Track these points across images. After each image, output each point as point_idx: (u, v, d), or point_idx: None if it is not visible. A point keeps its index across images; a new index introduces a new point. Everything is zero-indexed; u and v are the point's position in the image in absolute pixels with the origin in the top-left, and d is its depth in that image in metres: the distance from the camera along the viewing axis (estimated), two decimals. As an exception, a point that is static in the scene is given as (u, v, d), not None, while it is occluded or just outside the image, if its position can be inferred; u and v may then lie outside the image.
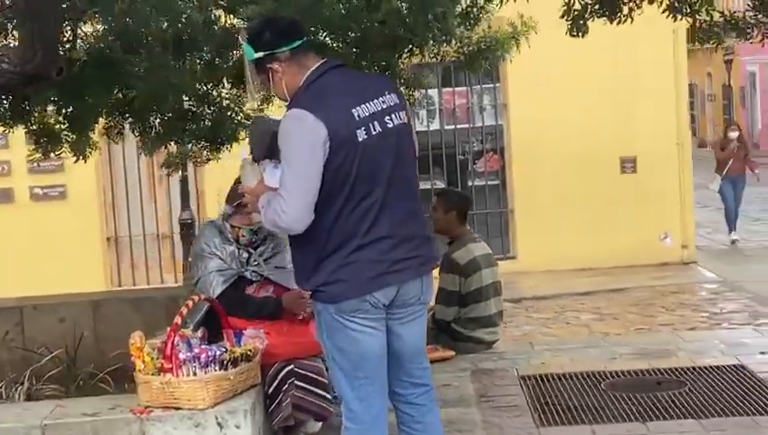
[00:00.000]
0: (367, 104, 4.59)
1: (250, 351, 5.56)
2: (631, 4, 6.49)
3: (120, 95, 8.93)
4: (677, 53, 16.64)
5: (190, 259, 6.23)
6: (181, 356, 5.39)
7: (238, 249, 6.04)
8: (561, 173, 16.27)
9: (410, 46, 8.62)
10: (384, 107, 4.63)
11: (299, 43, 4.68)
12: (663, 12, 6.90)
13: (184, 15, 7.97)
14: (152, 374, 5.47)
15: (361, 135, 4.53)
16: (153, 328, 8.31)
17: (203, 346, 5.52)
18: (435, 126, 17.16)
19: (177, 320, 5.46)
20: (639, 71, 16.16)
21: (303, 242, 4.65)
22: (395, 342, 4.82)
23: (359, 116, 4.54)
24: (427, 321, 6.98)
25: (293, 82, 4.68)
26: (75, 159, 9.40)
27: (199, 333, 5.75)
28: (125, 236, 16.77)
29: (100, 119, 9.25)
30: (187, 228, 15.18)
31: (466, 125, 17.19)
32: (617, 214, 16.23)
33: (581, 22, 6.51)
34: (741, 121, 44.58)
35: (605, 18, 6.55)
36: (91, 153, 9.59)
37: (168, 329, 5.72)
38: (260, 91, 5.09)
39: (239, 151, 9.79)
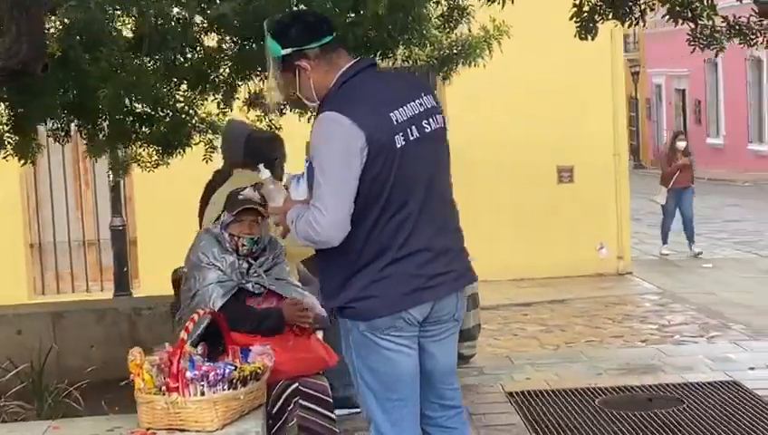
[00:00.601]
0: (404, 107, 4.27)
1: (259, 368, 5.18)
2: (644, 6, 6.25)
3: (72, 96, 8.51)
4: (615, 64, 16.56)
5: (184, 270, 5.82)
6: (188, 375, 5.01)
7: (238, 260, 5.66)
8: (497, 182, 16.04)
9: (385, 49, 8.35)
10: (422, 110, 4.32)
11: (329, 39, 4.35)
12: (664, 16, 6.68)
13: (153, 11, 7.60)
14: (153, 393, 5.08)
15: (400, 141, 4.21)
16: (116, 341, 7.92)
17: (208, 364, 5.14)
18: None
19: (183, 335, 5.07)
20: (577, 80, 16.01)
21: (333, 255, 4.31)
22: (427, 361, 4.52)
23: (397, 120, 4.23)
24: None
25: (323, 81, 4.34)
26: (22, 162, 8.93)
27: (200, 350, 5.36)
28: (49, 242, 16.14)
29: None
30: (118, 235, 14.63)
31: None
32: (553, 224, 16.04)
33: (591, 24, 6.25)
34: (646, 133, 45.28)
35: (616, 20, 6.30)
36: (35, 156, 9.15)
37: (167, 345, 5.37)
38: (284, 91, 4.71)
39: (194, 155, 9.54)
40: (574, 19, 6.28)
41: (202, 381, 5.01)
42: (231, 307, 5.53)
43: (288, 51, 4.30)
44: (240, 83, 9.15)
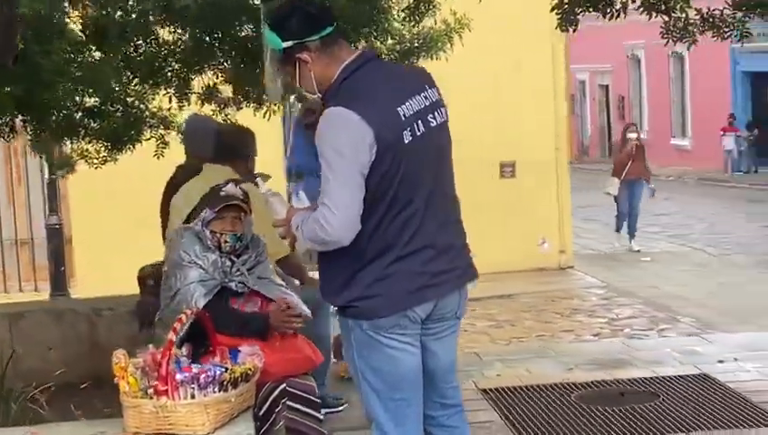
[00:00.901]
0: (411, 101, 4.13)
1: (250, 370, 5.00)
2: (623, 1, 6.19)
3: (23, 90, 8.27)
4: (555, 60, 16.57)
5: (165, 269, 5.62)
6: (178, 377, 4.83)
7: (220, 257, 5.48)
8: (439, 178, 15.96)
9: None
10: (427, 104, 4.19)
11: (330, 29, 4.18)
12: (638, 8, 6.61)
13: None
14: (140, 397, 4.89)
15: (407, 137, 4.08)
16: (75, 343, 7.69)
17: (196, 366, 4.97)
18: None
19: (171, 337, 4.86)
20: (519, 76, 16.00)
21: (335, 253, 4.15)
22: (429, 359, 4.40)
23: (404, 115, 4.09)
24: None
25: (325, 73, 4.18)
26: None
27: (184, 351, 5.17)
28: (-20, 240, 15.75)
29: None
30: (54, 233, 14.32)
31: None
32: (496, 219, 15.99)
33: (572, 16, 6.17)
34: (572, 129, 45.56)
35: (598, 13, 6.22)
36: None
37: (150, 346, 5.18)
38: (283, 84, 4.55)
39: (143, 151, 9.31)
40: (555, 11, 6.18)
41: (192, 383, 4.82)
42: (214, 307, 5.35)
43: (289, 43, 4.15)
44: (193, 77, 8.97)
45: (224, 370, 4.93)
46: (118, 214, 14.58)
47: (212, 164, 6.78)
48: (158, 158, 9.63)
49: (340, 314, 4.32)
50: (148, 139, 9.60)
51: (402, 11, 7.93)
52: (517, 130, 16.10)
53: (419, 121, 4.14)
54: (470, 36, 8.39)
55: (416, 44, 8.71)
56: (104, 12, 7.70)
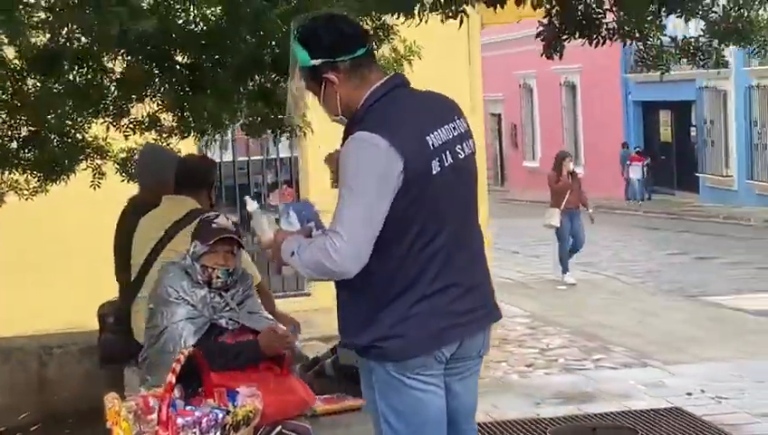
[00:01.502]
0: (439, 131, 3.90)
1: (251, 412, 4.74)
2: (608, 28, 6.09)
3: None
4: (473, 90, 16.57)
5: (150, 306, 5.33)
6: (179, 421, 4.55)
7: (210, 293, 5.21)
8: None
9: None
10: (455, 134, 3.95)
11: (362, 51, 3.93)
12: (612, 36, 6.51)
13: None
14: (133, 444, 4.60)
15: (435, 167, 3.84)
16: (23, 383, 7.32)
17: (194, 409, 4.69)
18: (228, 157, 16.36)
19: (171, 378, 4.59)
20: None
21: (356, 289, 3.91)
22: (452, 400, 4.15)
23: (433, 145, 3.85)
24: (330, 367, 6.38)
25: (352, 96, 3.93)
26: None
27: (177, 393, 4.89)
28: None
29: None
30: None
31: (260, 157, 16.51)
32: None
33: (555, 42, 6.04)
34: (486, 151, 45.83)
35: (584, 39, 6.11)
36: None
37: (142, 389, 4.91)
38: (305, 103, 4.27)
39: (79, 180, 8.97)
40: (540, 38, 6.05)
41: (194, 428, 4.56)
42: (203, 344, 5.09)
43: (317, 61, 3.89)
44: (132, 105, 8.67)
45: (225, 413, 4.68)
46: (30, 247, 14.10)
47: (173, 196, 6.52)
48: (94, 188, 9.32)
49: (361, 354, 4.07)
50: (85, 169, 9.28)
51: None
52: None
53: (447, 152, 3.90)
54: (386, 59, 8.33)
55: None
56: (46, 39, 7.37)
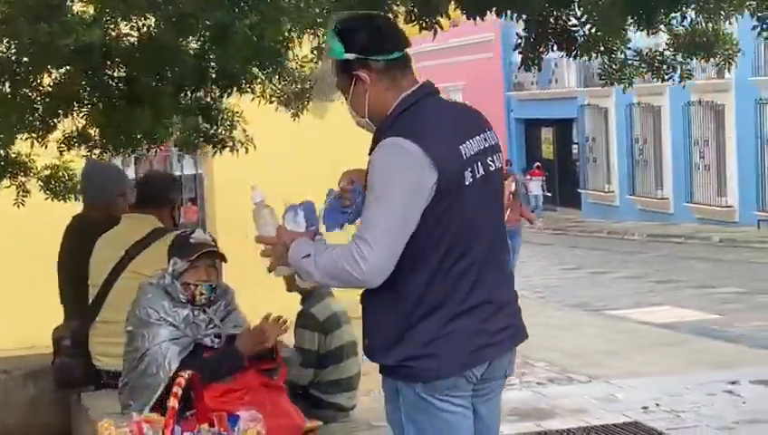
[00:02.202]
0: (471, 141, 3.75)
1: (254, 437, 4.57)
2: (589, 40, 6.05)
3: None
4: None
5: (128, 329, 5.06)
6: (183, 449, 4.35)
7: (193, 312, 5.00)
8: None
9: (244, 82, 7.84)
10: (486, 146, 3.80)
11: (398, 55, 3.78)
12: (573, 52, 6.47)
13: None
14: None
15: (468, 178, 3.69)
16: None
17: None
18: (131, 174, 15.98)
19: (174, 404, 4.40)
20: (346, 122, 15.74)
21: (385, 304, 3.72)
22: (477, 423, 3.94)
23: (465, 155, 3.70)
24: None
25: (380, 99, 3.78)
26: None
27: (170, 419, 4.66)
28: None
29: None
30: None
31: (164, 174, 16.18)
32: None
33: (532, 55, 5.98)
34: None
35: (563, 52, 6.06)
36: None
37: (135, 415, 4.67)
38: (334, 93, 4.08)
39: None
40: (518, 51, 5.99)
41: (199, 455, 4.37)
42: (185, 362, 4.88)
43: (351, 56, 3.73)
44: (59, 120, 8.38)
45: (229, 440, 4.48)
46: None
47: (134, 214, 6.29)
48: (18, 207, 8.99)
49: (388, 374, 3.87)
50: (9, 186, 8.95)
51: (313, 51, 7.58)
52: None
53: (479, 163, 3.75)
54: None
55: (307, 86, 8.39)
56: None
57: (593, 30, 5.95)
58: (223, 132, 8.49)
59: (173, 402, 4.40)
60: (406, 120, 3.74)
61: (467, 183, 3.70)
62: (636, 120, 31.76)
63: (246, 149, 8.68)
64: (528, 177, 35.25)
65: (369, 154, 3.77)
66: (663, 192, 30.85)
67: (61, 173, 8.99)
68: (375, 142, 3.80)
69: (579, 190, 34.26)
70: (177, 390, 4.46)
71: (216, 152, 8.69)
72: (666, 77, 6.63)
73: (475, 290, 3.73)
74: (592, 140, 33.39)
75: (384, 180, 3.62)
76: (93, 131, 8.59)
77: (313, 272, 3.73)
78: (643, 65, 6.64)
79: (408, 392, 3.80)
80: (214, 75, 7.72)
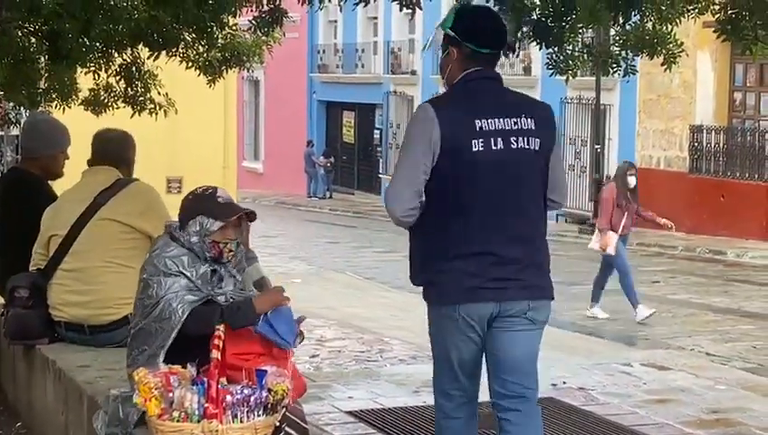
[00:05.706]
0: (496, 119, 4.53)
1: (285, 392, 4.65)
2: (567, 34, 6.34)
3: None
4: (227, 85, 16.58)
5: (143, 277, 5.04)
6: (228, 399, 4.41)
7: (212, 270, 5.04)
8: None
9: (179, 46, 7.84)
10: (515, 128, 4.56)
11: (487, 51, 4.61)
12: (530, 40, 6.77)
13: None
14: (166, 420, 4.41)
15: (477, 145, 4.49)
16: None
17: (233, 387, 4.53)
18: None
19: (216, 355, 4.47)
20: (192, 97, 15.79)
21: (415, 237, 4.66)
22: (497, 352, 4.64)
23: (480, 127, 4.50)
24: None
25: (455, 73, 4.65)
26: None
27: (193, 370, 4.70)
28: None
29: None
30: None
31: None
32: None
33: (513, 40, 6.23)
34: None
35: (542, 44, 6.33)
36: None
37: (162, 364, 4.69)
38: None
39: None
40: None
41: (243, 406, 4.44)
42: (198, 308, 4.94)
43: (450, 33, 4.60)
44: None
45: (267, 392, 4.57)
46: None
47: (94, 167, 6.25)
48: None
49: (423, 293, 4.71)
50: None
51: (254, 20, 7.61)
52: (185, 147, 16.06)
53: (499, 138, 4.50)
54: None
55: (227, 55, 8.48)
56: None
57: (570, 20, 6.24)
58: (142, 94, 8.41)
59: (216, 354, 4.49)
60: (449, 91, 4.68)
61: (475, 149, 4.47)
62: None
63: (165, 112, 8.63)
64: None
65: None
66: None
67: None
68: None
69: (379, 175, 34.75)
70: (219, 342, 4.54)
71: (134, 114, 8.61)
72: (612, 72, 7.01)
73: (480, 241, 4.50)
74: (396, 127, 33.91)
75: (407, 133, 4.62)
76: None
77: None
78: (591, 58, 6.99)
79: (429, 308, 4.70)
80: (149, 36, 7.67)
